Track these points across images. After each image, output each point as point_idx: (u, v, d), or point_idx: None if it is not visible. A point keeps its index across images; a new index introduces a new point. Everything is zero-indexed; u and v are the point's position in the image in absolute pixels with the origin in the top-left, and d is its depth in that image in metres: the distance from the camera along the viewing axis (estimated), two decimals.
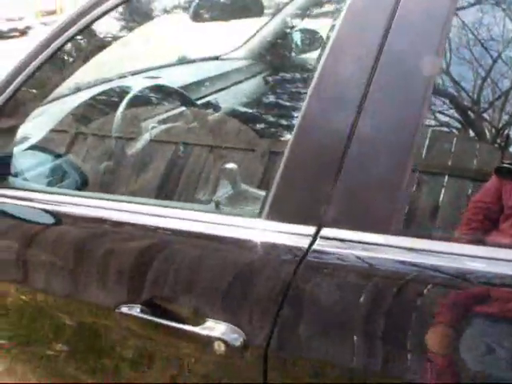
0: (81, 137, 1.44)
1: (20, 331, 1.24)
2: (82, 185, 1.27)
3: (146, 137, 1.36)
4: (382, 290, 0.72)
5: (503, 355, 0.64)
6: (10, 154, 1.21)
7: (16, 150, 1.25)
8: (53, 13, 15.61)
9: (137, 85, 1.43)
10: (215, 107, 1.52)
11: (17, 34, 12.87)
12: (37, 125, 1.32)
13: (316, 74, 0.79)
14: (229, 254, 0.83)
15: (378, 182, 0.73)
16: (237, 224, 0.84)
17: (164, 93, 1.46)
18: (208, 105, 1.53)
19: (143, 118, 1.39)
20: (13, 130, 1.22)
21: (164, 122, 1.38)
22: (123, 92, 1.41)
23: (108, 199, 1.05)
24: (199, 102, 1.48)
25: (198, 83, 1.67)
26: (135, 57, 1.73)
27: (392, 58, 0.74)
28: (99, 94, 1.45)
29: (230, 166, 1.06)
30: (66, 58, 1.23)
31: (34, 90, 1.20)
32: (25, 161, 1.27)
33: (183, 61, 1.97)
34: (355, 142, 0.74)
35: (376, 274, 0.72)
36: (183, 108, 1.43)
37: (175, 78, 1.63)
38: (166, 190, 1.24)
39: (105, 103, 1.44)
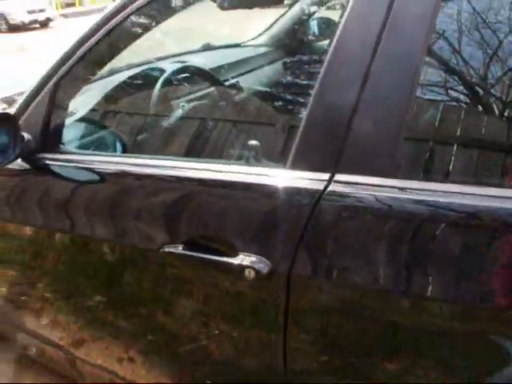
0: (121, 112, 1.62)
1: (65, 283, 1.43)
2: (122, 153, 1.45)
3: (178, 113, 1.53)
4: (381, 221, 0.88)
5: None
6: (62, 125, 1.39)
7: (67, 121, 1.43)
8: (72, 5, 15.94)
9: (169, 67, 1.60)
10: (238, 88, 1.68)
11: (37, 25, 13.13)
12: (84, 101, 1.50)
13: (327, 57, 0.95)
14: (258, 198, 1.01)
15: (380, 136, 0.90)
16: (265, 173, 1.01)
17: (194, 74, 1.64)
18: (232, 86, 1.69)
19: (176, 96, 1.57)
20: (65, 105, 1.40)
21: (194, 100, 1.55)
22: (158, 73, 1.58)
23: (146, 159, 1.23)
24: (225, 83, 1.65)
25: (223, 67, 1.84)
26: (168, 43, 1.90)
27: (388, 45, 0.90)
28: (137, 75, 1.63)
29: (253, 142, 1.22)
30: (111, 42, 1.40)
31: (84, 70, 1.38)
32: (74, 131, 1.46)
33: (210, 47, 2.15)
34: (361, 104, 0.90)
35: (375, 208, 0.89)
36: (211, 88, 1.60)
37: (203, 62, 1.80)
38: (198, 152, 1.41)
39: (142, 83, 1.61)
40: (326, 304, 0.95)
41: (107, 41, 1.29)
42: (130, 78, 1.59)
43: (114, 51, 1.39)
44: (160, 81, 1.52)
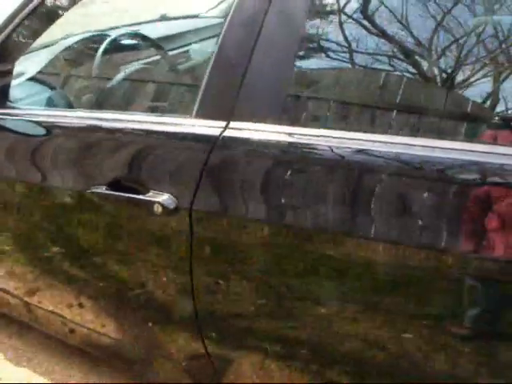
0: (67, 74, 1.74)
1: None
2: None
3: (120, 76, 1.67)
4: (267, 161, 1.04)
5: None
6: (7, 85, 1.52)
7: (14, 81, 1.56)
8: None
9: (114, 33, 1.73)
10: (174, 55, 1.82)
11: None
12: (33, 63, 1.63)
13: (227, 20, 1.09)
14: (167, 144, 1.15)
15: (268, 89, 1.04)
16: (174, 123, 1.15)
17: (137, 40, 1.77)
18: (170, 52, 1.83)
19: (118, 60, 1.70)
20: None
21: (136, 64, 1.69)
22: (103, 38, 1.71)
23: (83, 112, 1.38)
24: (164, 50, 1.78)
25: (171, 36, 1.96)
26: (122, 12, 2.02)
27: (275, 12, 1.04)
28: (84, 40, 1.75)
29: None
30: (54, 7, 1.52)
31: (26, 35, 1.50)
32: (21, 90, 1.59)
33: (165, 18, 2.27)
34: (253, 62, 1.04)
35: (262, 150, 1.04)
36: (151, 53, 1.73)
37: (152, 31, 1.93)
38: (129, 106, 1.56)
39: (87, 47, 1.74)
40: (224, 238, 1.10)
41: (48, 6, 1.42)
42: (77, 42, 1.71)
43: (54, 16, 1.51)
44: (103, 45, 1.65)
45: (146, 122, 1.21)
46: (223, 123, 1.07)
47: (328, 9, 1.08)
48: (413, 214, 0.89)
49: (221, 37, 1.09)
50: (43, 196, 1.41)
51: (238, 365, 1.23)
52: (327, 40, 1.10)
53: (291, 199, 1.01)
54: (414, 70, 1.05)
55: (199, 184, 1.08)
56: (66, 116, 1.38)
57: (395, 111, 1.03)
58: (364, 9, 1.04)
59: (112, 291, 1.43)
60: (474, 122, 0.99)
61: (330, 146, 0.98)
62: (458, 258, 0.86)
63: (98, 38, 1.79)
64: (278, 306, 1.10)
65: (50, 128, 1.37)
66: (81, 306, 1.48)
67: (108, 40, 1.64)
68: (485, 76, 0.97)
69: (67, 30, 1.77)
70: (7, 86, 1.52)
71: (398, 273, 0.93)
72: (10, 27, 1.42)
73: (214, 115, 1.09)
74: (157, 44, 1.75)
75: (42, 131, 1.39)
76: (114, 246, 1.34)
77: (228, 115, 1.07)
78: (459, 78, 1.00)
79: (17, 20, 1.41)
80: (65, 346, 1.85)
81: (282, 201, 1.02)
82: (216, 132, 1.07)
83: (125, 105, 1.51)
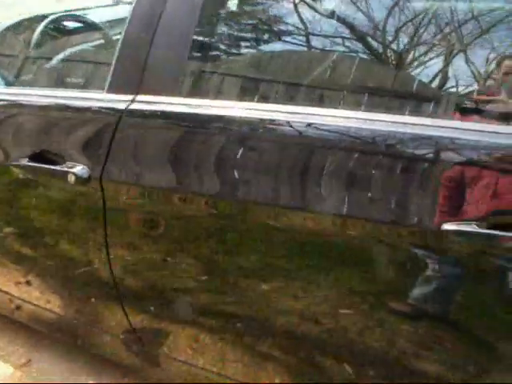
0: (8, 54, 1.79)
1: None
2: None
3: (59, 56, 1.71)
4: (170, 130, 1.11)
5: None
6: None
7: None
8: None
9: (52, 15, 1.77)
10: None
11: None
12: None
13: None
14: (81, 117, 1.22)
15: (169, 65, 1.11)
16: (90, 97, 1.22)
17: (75, 21, 1.82)
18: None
19: (54, 41, 1.76)
20: None
21: (67, 45, 1.74)
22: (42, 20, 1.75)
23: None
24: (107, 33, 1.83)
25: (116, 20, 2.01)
26: None
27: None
28: (24, 22, 1.80)
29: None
30: None
31: None
32: None
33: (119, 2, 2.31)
34: (155, 41, 1.11)
35: (165, 120, 1.11)
36: (89, 35, 1.78)
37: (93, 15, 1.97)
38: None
39: (26, 29, 1.79)
40: (134, 207, 1.17)
41: None
42: (18, 23, 1.76)
43: None
44: (40, 26, 1.69)
45: (65, 98, 1.27)
46: (130, 97, 1.14)
47: None
48: (346, 187, 0.92)
49: (129, 17, 1.15)
50: None
51: (173, 338, 1.29)
52: (222, 21, 1.17)
53: (192, 167, 1.08)
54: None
55: (108, 154, 1.14)
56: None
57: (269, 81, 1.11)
58: None
59: (47, 264, 1.48)
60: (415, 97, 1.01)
61: (220, 115, 1.06)
62: (400, 231, 0.88)
63: (39, 19, 1.83)
64: (197, 279, 1.17)
65: None
66: (28, 283, 1.54)
67: (45, 22, 1.69)
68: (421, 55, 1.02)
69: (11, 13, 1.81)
70: None
71: (341, 246, 0.96)
72: None
73: (122, 90, 1.15)
74: (96, 27, 1.80)
75: None
76: (42, 219, 1.40)
77: (135, 90, 1.13)
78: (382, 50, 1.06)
79: None
80: (10, 323, 1.90)
81: (184, 169, 1.09)
82: (123, 105, 1.13)
83: (52, 82, 1.57)
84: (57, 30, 1.77)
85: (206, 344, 1.24)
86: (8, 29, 1.77)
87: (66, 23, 1.81)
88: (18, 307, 1.64)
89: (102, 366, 1.74)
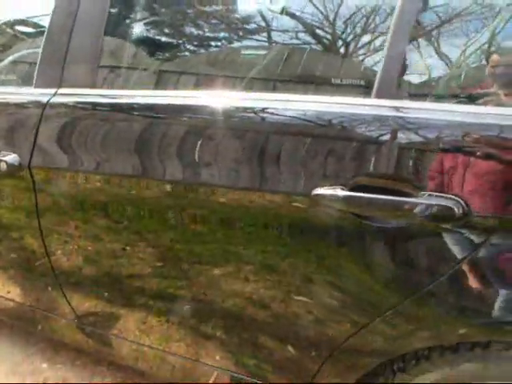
0: None
1: None
2: None
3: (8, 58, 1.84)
4: (84, 117, 1.24)
5: None
6: None
7: None
8: None
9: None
10: None
11: None
12: None
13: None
14: (14, 111, 1.34)
15: (84, 62, 1.23)
16: (21, 92, 1.34)
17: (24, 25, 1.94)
18: None
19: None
20: None
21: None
22: None
23: None
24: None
25: None
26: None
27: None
28: None
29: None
30: None
31: None
32: None
33: None
34: (72, 41, 1.24)
35: (80, 110, 1.24)
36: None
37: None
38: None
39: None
40: (60, 191, 1.29)
41: None
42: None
43: None
44: None
45: (3, 93, 1.39)
46: (53, 90, 1.26)
47: None
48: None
49: (50, 17, 1.28)
50: None
51: (123, 321, 1.39)
52: (129, 18, 1.30)
53: (109, 151, 1.20)
54: None
55: (34, 143, 1.26)
56: None
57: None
58: None
59: (4, 254, 1.58)
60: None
61: (129, 103, 1.19)
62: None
63: None
64: (131, 261, 1.26)
65: None
66: None
67: None
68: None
69: None
70: None
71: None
72: None
73: (46, 84, 1.27)
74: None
75: None
76: None
77: (57, 84, 1.26)
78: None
79: None
80: None
81: (102, 153, 1.20)
82: (46, 98, 1.25)
83: None
84: (9, 34, 1.89)
85: (153, 326, 1.34)
86: None
87: (18, 28, 1.93)
88: None
89: (56, 350, 1.85)
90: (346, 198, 0.92)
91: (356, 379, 1.07)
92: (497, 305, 0.86)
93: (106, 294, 1.39)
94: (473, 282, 0.88)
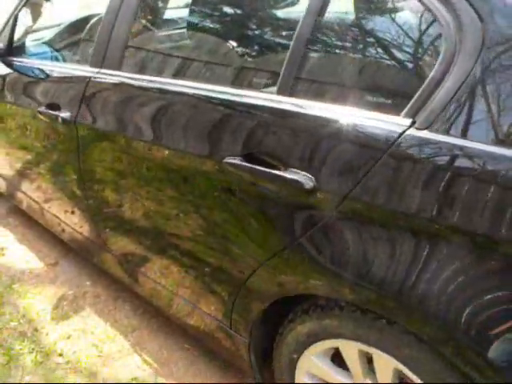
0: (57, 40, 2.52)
1: None
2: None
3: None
4: (115, 91, 1.68)
5: None
6: (23, 43, 2.32)
7: (28, 42, 2.35)
8: None
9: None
10: None
11: None
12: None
13: None
14: (72, 81, 1.84)
15: (118, 46, 1.68)
16: (80, 69, 1.84)
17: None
18: None
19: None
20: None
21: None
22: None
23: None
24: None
25: None
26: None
27: None
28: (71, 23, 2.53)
29: None
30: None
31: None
32: (32, 48, 2.37)
33: None
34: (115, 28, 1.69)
35: (112, 86, 1.69)
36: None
37: None
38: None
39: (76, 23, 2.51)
40: (91, 138, 1.75)
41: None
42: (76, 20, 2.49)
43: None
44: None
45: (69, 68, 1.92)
46: (96, 70, 1.72)
47: None
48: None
49: (103, 16, 1.74)
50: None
51: (150, 264, 1.74)
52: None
53: (120, 116, 1.62)
54: None
55: (80, 105, 1.74)
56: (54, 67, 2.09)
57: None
58: None
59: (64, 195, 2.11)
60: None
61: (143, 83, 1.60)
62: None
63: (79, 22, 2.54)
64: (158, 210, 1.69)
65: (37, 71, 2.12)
66: (73, 212, 2.10)
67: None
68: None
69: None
70: (22, 44, 2.32)
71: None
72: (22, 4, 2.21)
73: (94, 64, 1.74)
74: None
75: (34, 73, 2.14)
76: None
77: (100, 64, 1.72)
78: None
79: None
80: (54, 237, 2.59)
81: (117, 117, 1.63)
82: (92, 74, 1.72)
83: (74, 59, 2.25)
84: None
85: (172, 272, 1.68)
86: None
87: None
88: (63, 230, 2.27)
89: (104, 276, 2.34)
90: (240, 166, 1.22)
91: (258, 317, 1.36)
92: (340, 264, 1.10)
93: (140, 238, 1.74)
94: (322, 243, 1.13)
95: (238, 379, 1.75)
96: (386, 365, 1.14)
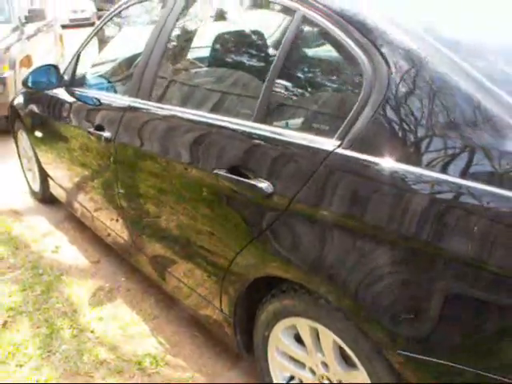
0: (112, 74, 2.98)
1: None
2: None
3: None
4: (146, 118, 2.10)
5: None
6: (84, 76, 2.82)
7: (87, 75, 2.85)
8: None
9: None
10: None
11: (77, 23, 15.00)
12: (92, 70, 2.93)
13: None
14: (114, 108, 2.28)
15: (148, 81, 2.10)
16: (121, 99, 2.28)
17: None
18: None
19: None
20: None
21: None
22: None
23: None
24: None
25: None
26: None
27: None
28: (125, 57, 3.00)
29: None
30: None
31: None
32: (91, 80, 2.87)
33: None
34: (147, 68, 2.11)
35: (142, 113, 2.11)
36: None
37: None
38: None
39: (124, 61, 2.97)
40: (126, 156, 2.17)
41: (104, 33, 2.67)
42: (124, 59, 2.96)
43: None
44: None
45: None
46: (132, 99, 2.15)
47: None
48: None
49: (141, 55, 2.18)
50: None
51: (177, 265, 2.15)
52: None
53: (149, 138, 2.03)
54: None
55: (119, 127, 2.17)
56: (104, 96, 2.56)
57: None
58: None
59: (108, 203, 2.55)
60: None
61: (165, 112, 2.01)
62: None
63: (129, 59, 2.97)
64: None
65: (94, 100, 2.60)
66: (117, 220, 2.54)
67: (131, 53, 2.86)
68: None
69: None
70: (83, 76, 2.82)
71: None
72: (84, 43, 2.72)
73: (131, 94, 2.17)
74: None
75: (90, 102, 2.62)
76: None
77: (135, 95, 2.14)
78: None
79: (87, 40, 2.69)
80: (100, 240, 3.02)
81: (149, 139, 2.04)
82: (127, 102, 2.16)
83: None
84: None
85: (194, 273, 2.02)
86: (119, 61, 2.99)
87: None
88: (109, 234, 2.66)
89: (137, 273, 2.70)
90: (225, 177, 1.58)
91: (240, 298, 1.68)
92: (290, 251, 1.40)
93: (169, 243, 2.09)
94: (278, 235, 1.45)
95: (232, 363, 2.06)
96: (327, 338, 1.43)
